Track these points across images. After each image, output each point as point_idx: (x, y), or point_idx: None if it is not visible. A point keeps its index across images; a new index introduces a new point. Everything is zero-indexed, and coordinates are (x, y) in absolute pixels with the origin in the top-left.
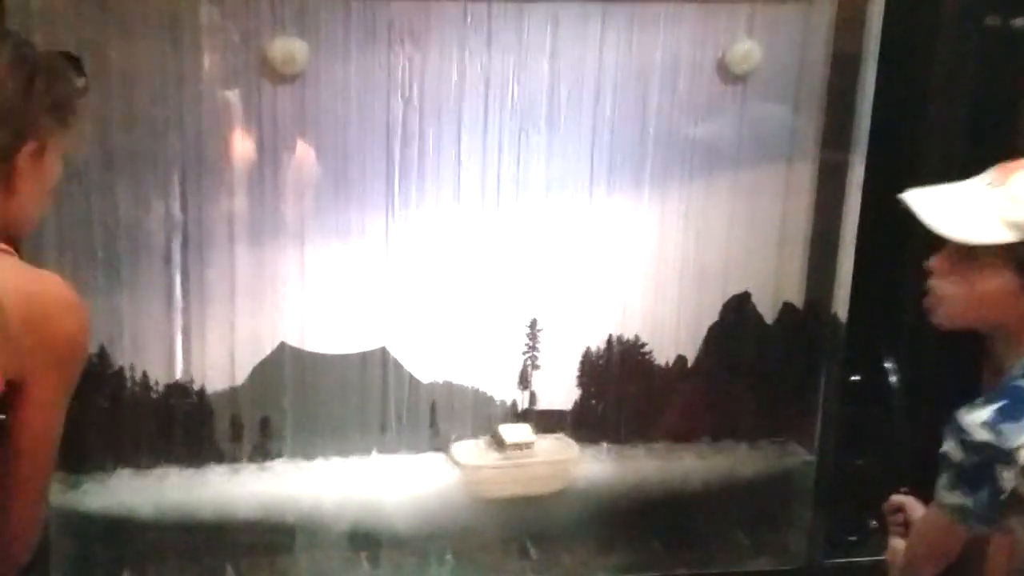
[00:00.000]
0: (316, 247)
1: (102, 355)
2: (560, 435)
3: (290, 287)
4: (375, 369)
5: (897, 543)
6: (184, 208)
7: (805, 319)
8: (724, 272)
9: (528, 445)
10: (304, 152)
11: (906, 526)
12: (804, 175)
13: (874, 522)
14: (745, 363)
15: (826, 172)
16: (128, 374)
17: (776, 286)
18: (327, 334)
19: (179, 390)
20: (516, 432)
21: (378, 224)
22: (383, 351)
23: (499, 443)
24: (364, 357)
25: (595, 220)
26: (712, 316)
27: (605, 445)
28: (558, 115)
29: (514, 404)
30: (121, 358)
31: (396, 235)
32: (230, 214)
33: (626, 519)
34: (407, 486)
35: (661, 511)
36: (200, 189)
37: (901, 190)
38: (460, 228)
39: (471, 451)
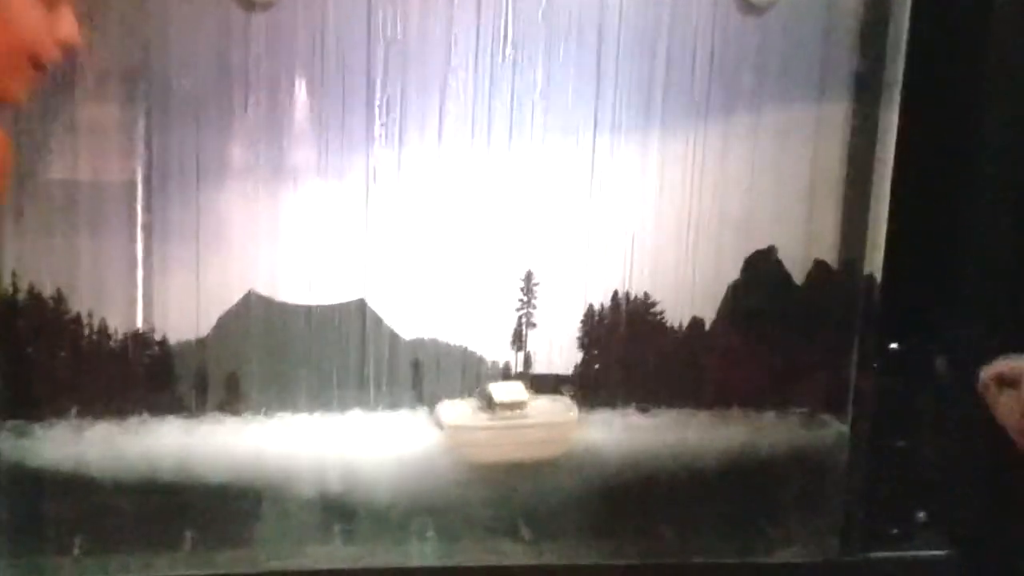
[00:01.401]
0: (290, 188)
1: (59, 300)
2: (557, 396)
3: (260, 231)
4: (352, 323)
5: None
6: (148, 143)
7: (838, 278)
8: (746, 225)
9: (521, 405)
10: (278, 85)
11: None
12: (835, 116)
13: (923, 514)
14: (770, 326)
15: (859, 113)
16: (86, 321)
17: (805, 241)
18: (300, 283)
19: (140, 340)
20: (507, 390)
21: (358, 165)
22: (361, 304)
23: (488, 402)
24: (340, 309)
25: (598, 164)
26: (732, 273)
27: (609, 412)
28: (557, 47)
29: (507, 366)
30: (79, 304)
31: (377, 177)
32: (197, 150)
33: (632, 496)
34: (386, 450)
35: (672, 488)
36: (166, 123)
37: (939, 133)
38: (447, 171)
39: (457, 411)
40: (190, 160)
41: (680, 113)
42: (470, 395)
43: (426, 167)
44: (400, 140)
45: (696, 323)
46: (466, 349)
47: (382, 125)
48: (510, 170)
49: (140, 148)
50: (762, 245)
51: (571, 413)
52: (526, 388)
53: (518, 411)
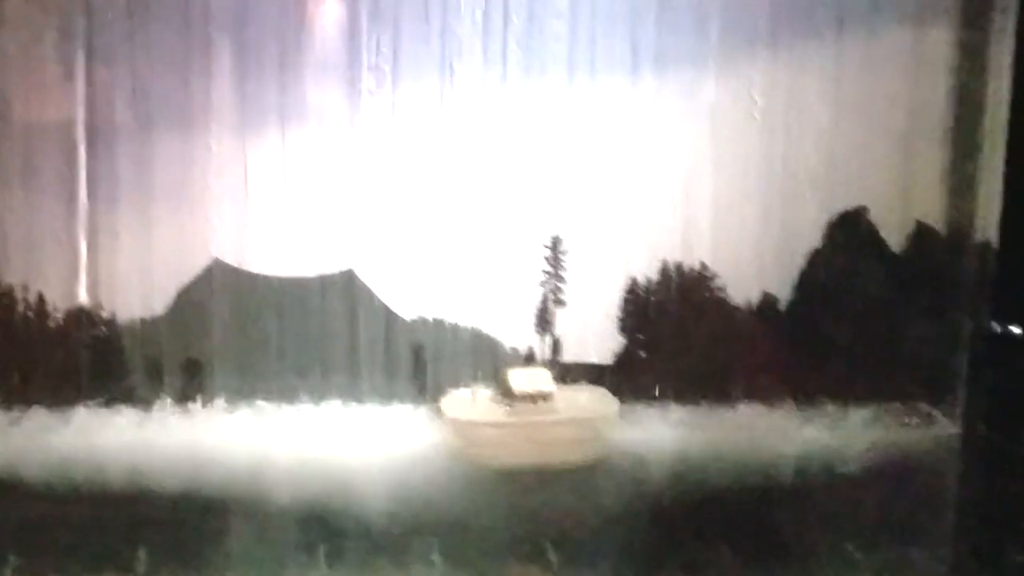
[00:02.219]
0: (260, 136)
1: None
2: (591, 386)
3: (226, 187)
4: (338, 298)
5: None
6: (90, 80)
7: (944, 245)
8: (828, 179)
9: (546, 396)
10: (243, 13)
11: None
12: (937, 45)
13: None
14: (859, 304)
15: (967, 42)
16: (19, 295)
17: (902, 199)
18: (273, 250)
19: (83, 317)
20: (529, 378)
21: (340, 107)
22: (350, 275)
23: (506, 393)
24: (323, 282)
25: (640, 106)
26: (812, 239)
27: (656, 406)
28: None
29: (530, 353)
30: (10, 274)
31: (366, 122)
32: (149, 91)
33: (685, 511)
34: (380, 451)
35: (735, 502)
36: (111, 57)
37: None
38: (452, 116)
39: (467, 404)
40: (142, 101)
41: (740, 42)
42: (483, 384)
43: (426, 109)
44: (394, 76)
45: (768, 301)
46: (479, 332)
47: (371, 55)
48: (529, 112)
49: (80, 86)
50: (849, 205)
51: (609, 407)
52: (553, 376)
53: (543, 404)
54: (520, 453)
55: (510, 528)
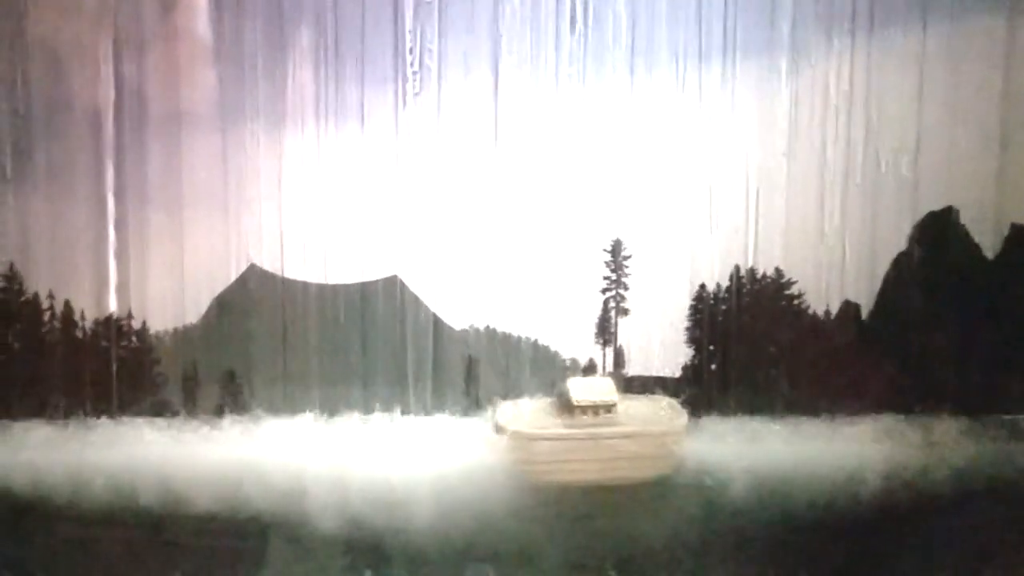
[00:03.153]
0: (300, 135)
1: (10, 277)
2: (657, 396)
3: (264, 190)
4: (383, 306)
5: None
6: (119, 77)
7: None
8: (913, 177)
9: (609, 407)
10: (283, 10)
11: None
12: None
13: None
14: (951, 313)
15: None
16: (45, 304)
17: (997, 199)
18: (314, 255)
19: (113, 327)
20: (590, 388)
21: (385, 106)
22: (395, 282)
23: (565, 404)
24: (367, 289)
25: (707, 99)
26: (897, 243)
27: (729, 419)
28: None
29: (591, 365)
30: (35, 282)
31: (410, 121)
32: (180, 86)
33: (761, 533)
34: (428, 467)
35: (816, 523)
36: (142, 53)
37: None
38: (502, 112)
39: (523, 415)
40: (172, 99)
41: (815, 28)
42: (541, 395)
43: (474, 107)
44: (439, 74)
45: (848, 309)
46: (535, 342)
47: (416, 52)
48: (587, 109)
49: (108, 83)
50: (936, 205)
51: (677, 419)
52: (616, 386)
53: (605, 415)
54: (581, 469)
55: (570, 551)
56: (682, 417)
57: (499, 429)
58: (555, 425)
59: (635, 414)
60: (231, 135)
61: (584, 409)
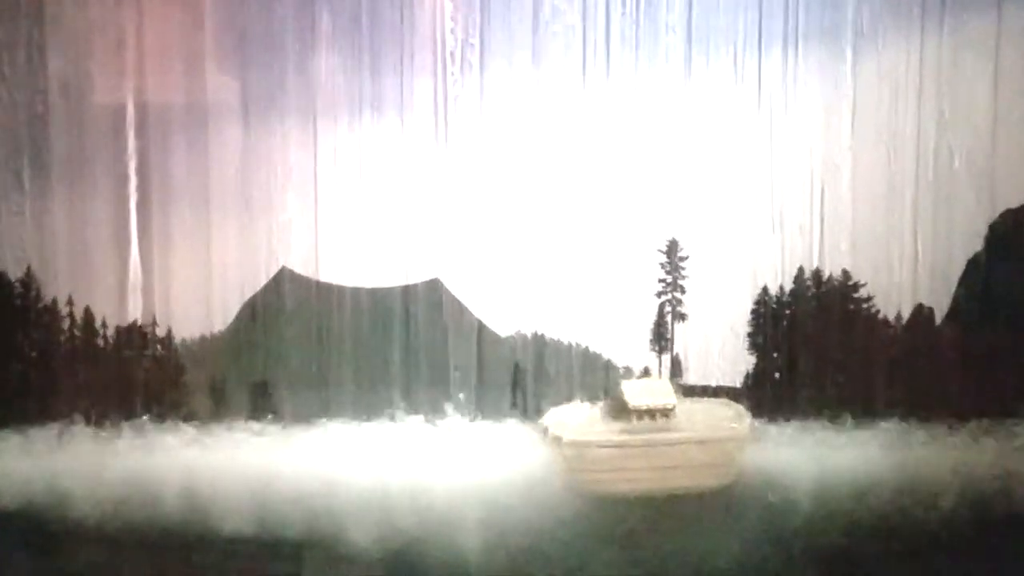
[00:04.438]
0: (334, 128)
1: (27, 282)
2: (719, 400)
3: (296, 187)
4: (423, 311)
5: None
6: (141, 66)
7: None
8: (988, 172)
9: (667, 412)
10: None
11: None
12: None
13: None
14: None
15: None
16: (64, 311)
17: None
18: (349, 258)
19: (136, 336)
20: (648, 391)
21: (425, 98)
22: (436, 285)
23: (621, 408)
24: (406, 293)
25: (767, 90)
26: (972, 243)
27: (797, 424)
28: None
29: (646, 374)
30: (54, 287)
31: (452, 115)
32: (206, 78)
33: (830, 546)
34: (472, 477)
35: (889, 535)
36: (165, 40)
37: None
38: (549, 106)
39: (576, 421)
40: (197, 91)
41: (883, 12)
42: (593, 400)
43: (518, 100)
44: (481, 65)
45: (922, 313)
46: (587, 350)
47: (456, 41)
48: (640, 100)
49: (130, 76)
50: (1014, 202)
51: (741, 424)
52: (675, 390)
53: (663, 421)
54: (638, 478)
55: (628, 566)
56: (745, 421)
57: (548, 436)
58: (609, 431)
59: (695, 419)
60: (260, 129)
61: (640, 414)
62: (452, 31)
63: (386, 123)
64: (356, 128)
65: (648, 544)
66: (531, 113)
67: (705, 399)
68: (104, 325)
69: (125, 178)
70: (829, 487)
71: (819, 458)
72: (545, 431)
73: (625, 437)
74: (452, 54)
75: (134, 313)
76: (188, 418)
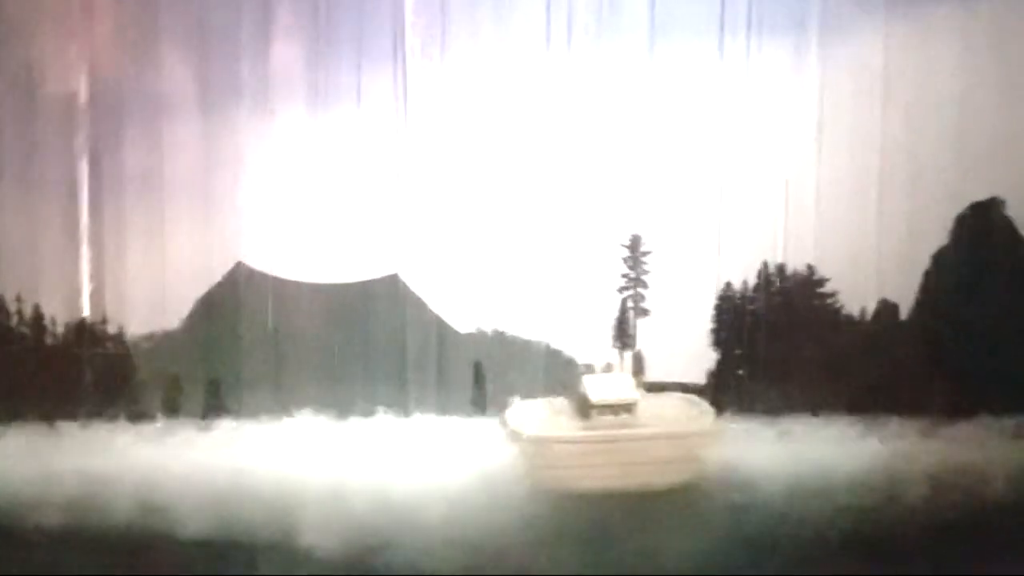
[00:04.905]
0: (290, 119)
1: None
2: (682, 395)
3: (251, 180)
4: (382, 307)
5: None
6: (92, 57)
7: None
8: (956, 166)
9: (629, 407)
10: None
11: None
12: None
13: None
14: (996, 312)
15: None
16: (12, 308)
17: None
18: (306, 253)
19: (88, 333)
20: (609, 387)
21: (383, 84)
22: (394, 281)
23: (582, 404)
24: (365, 289)
25: (730, 78)
26: (938, 237)
27: (761, 419)
28: None
29: (608, 370)
30: (2, 285)
31: (412, 101)
32: (157, 69)
33: (797, 543)
34: (433, 474)
35: (857, 530)
36: (118, 30)
37: None
38: (513, 90)
39: (537, 417)
40: (151, 80)
41: (848, 2)
42: (554, 395)
43: (479, 88)
44: (442, 45)
45: (887, 309)
46: (547, 347)
47: (415, 25)
48: (601, 93)
49: (81, 67)
50: (981, 195)
51: (704, 419)
52: (637, 385)
53: (625, 416)
54: (601, 475)
55: (590, 564)
56: (709, 416)
57: (509, 431)
58: (570, 427)
59: (658, 414)
60: (215, 121)
61: (602, 409)
62: (412, 25)
63: (344, 114)
64: (313, 120)
65: (611, 543)
66: (492, 107)
67: (668, 394)
68: (54, 323)
69: (75, 171)
70: (795, 483)
71: (784, 454)
72: (506, 427)
73: (587, 433)
74: (412, 48)
75: (85, 310)
76: (140, 417)
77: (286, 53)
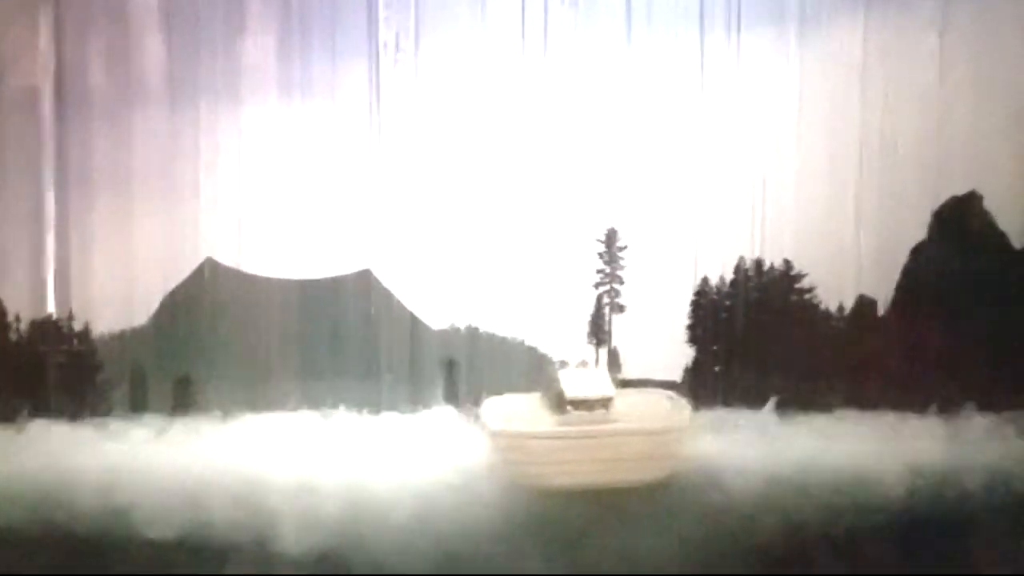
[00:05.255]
0: (261, 111)
1: None
2: (657, 390)
3: (221, 173)
4: (353, 303)
5: None
6: (59, 41)
7: None
8: (935, 159)
9: (605, 403)
10: None
11: None
12: None
13: None
14: (973, 307)
15: None
16: None
17: None
18: (276, 248)
19: (51, 330)
20: (585, 382)
21: (357, 75)
22: (366, 276)
23: (557, 400)
24: (336, 284)
25: (709, 73)
26: (917, 231)
27: (738, 411)
28: None
29: (583, 367)
30: None
31: (386, 94)
32: (126, 60)
33: (776, 540)
34: (404, 472)
35: (835, 528)
36: (85, 18)
37: None
38: (485, 85)
39: (511, 413)
40: (118, 75)
41: None
42: (528, 390)
43: (453, 81)
44: (416, 40)
45: (864, 304)
46: (522, 343)
47: (390, 16)
48: (577, 85)
49: (48, 56)
50: (960, 189)
51: (681, 415)
52: (611, 380)
53: (601, 412)
54: (576, 471)
55: (566, 564)
56: (686, 413)
57: (483, 427)
58: (545, 423)
59: (634, 410)
60: (185, 113)
61: (577, 404)
62: (386, 19)
63: (316, 107)
64: (284, 113)
65: (585, 540)
66: (467, 100)
67: (645, 390)
68: (17, 319)
69: (40, 164)
70: (772, 481)
71: (761, 450)
72: (480, 422)
73: (562, 428)
74: (385, 43)
75: (50, 306)
76: (106, 415)
77: (257, 45)
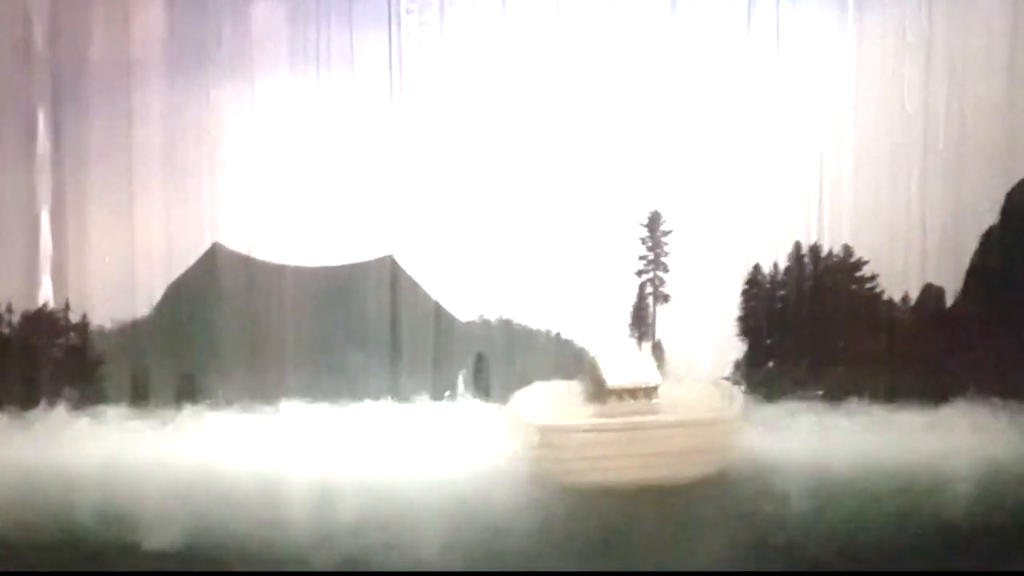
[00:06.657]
0: (272, 82)
1: None
2: (710, 380)
3: (230, 152)
4: (375, 292)
5: None
6: (55, 18)
7: None
8: (1006, 138)
9: (650, 392)
10: None
11: None
12: None
13: None
14: None
15: None
16: None
17: None
18: (290, 233)
19: (47, 322)
20: (628, 369)
21: (377, 46)
22: (389, 263)
23: (597, 389)
24: (355, 272)
25: (759, 43)
26: (987, 216)
27: (794, 403)
28: None
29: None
30: None
31: (409, 64)
32: (127, 29)
33: (832, 540)
34: (432, 467)
35: (898, 527)
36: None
37: None
38: (521, 51)
39: (547, 404)
40: (119, 45)
41: None
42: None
43: (481, 51)
44: (441, 5)
45: (931, 293)
46: (557, 336)
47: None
48: (618, 55)
49: (42, 25)
50: None
51: (732, 406)
52: (657, 368)
53: (645, 402)
54: (616, 467)
55: (608, 565)
56: (737, 403)
57: (516, 420)
58: (584, 414)
59: (681, 400)
60: (189, 87)
61: (619, 394)
62: None
63: (334, 80)
64: (299, 86)
65: (627, 535)
66: (497, 72)
67: (692, 379)
68: (10, 311)
69: (34, 144)
70: (829, 474)
71: (820, 441)
72: (512, 414)
73: (602, 420)
74: (408, 9)
75: (44, 297)
76: (107, 410)
77: (269, 13)
